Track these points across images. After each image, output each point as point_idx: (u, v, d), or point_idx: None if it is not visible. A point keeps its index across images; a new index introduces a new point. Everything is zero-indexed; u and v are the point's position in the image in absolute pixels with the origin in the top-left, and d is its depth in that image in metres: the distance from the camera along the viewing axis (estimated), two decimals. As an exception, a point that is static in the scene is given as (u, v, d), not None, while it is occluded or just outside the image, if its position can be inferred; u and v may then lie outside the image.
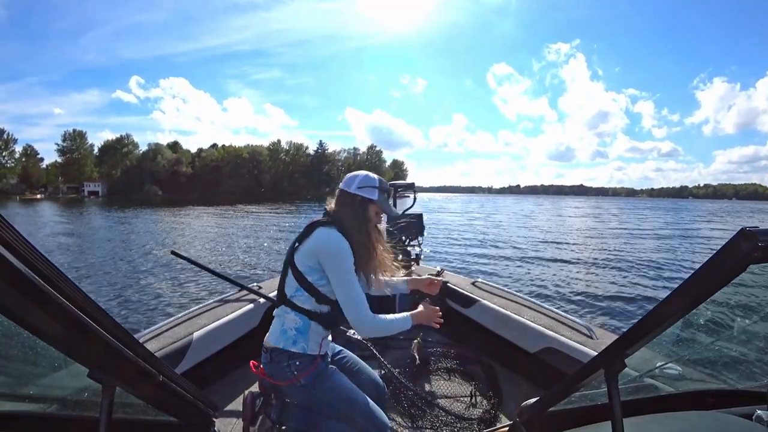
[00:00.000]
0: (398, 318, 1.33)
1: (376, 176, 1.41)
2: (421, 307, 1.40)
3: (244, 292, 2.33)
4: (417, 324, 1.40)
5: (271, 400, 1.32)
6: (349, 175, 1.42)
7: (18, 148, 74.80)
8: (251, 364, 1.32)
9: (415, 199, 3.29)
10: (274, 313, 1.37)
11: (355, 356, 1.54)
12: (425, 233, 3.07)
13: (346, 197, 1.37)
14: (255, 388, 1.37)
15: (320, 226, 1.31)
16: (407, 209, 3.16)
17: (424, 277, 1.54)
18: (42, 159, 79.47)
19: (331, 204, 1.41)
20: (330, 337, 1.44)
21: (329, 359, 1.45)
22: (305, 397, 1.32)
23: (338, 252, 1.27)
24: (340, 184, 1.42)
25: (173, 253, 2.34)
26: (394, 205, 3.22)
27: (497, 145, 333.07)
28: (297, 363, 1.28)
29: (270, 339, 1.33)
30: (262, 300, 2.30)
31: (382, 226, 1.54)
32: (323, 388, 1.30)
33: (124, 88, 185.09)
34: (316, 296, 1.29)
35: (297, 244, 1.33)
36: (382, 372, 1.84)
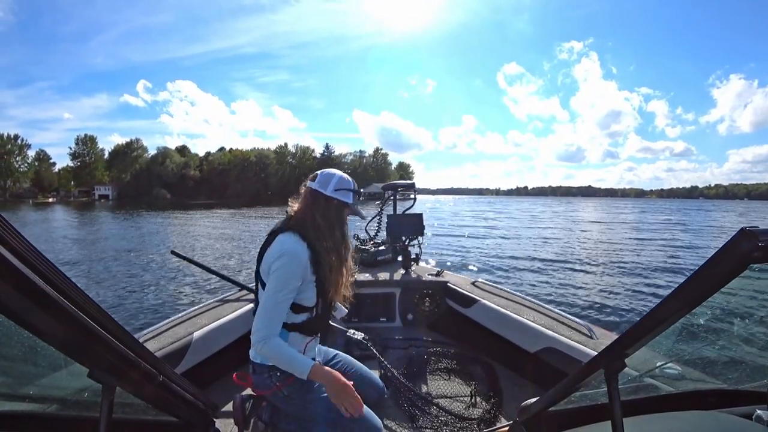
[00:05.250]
0: (296, 359, 1.17)
1: (349, 177, 1.31)
2: (339, 377, 1.17)
3: (245, 291, 2.34)
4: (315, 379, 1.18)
5: (262, 402, 1.31)
6: (322, 172, 1.28)
7: (31, 153, 76.49)
8: (233, 376, 1.27)
9: (415, 199, 3.30)
10: None
11: (351, 358, 1.51)
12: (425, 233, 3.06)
13: (318, 199, 1.25)
14: (250, 390, 1.38)
15: (281, 233, 1.21)
16: (407, 209, 3.16)
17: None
18: (54, 163, 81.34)
19: (294, 205, 1.28)
20: (317, 341, 1.38)
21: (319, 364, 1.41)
22: (291, 406, 1.28)
23: (288, 260, 1.15)
24: (309, 182, 1.28)
25: (173, 252, 2.36)
26: (395, 205, 3.24)
27: (506, 145, 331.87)
28: (278, 374, 1.24)
29: (251, 353, 1.28)
30: None
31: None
32: (309, 396, 1.26)
33: (132, 92, 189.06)
34: (291, 308, 1.22)
35: (262, 255, 1.24)
36: (382, 372, 1.84)
